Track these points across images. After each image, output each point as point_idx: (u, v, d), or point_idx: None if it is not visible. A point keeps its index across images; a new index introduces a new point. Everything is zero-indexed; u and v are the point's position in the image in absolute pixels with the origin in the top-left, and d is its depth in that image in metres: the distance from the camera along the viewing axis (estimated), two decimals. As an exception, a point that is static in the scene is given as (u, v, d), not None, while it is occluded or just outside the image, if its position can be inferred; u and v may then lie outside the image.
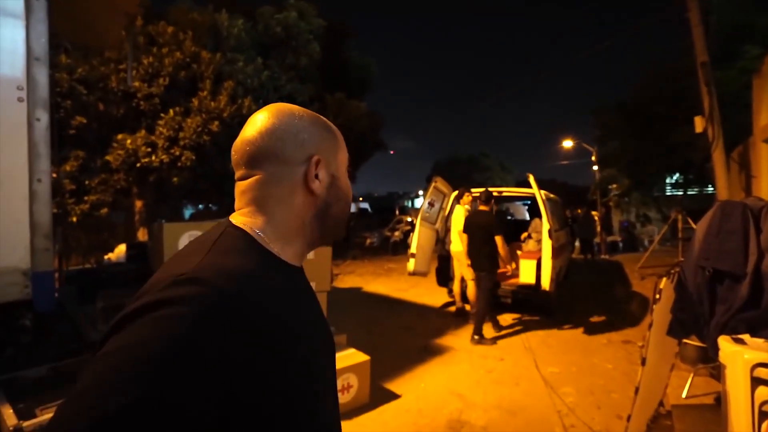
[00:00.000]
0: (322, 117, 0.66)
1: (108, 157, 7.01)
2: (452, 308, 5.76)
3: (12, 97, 1.99)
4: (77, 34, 4.62)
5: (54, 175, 6.65)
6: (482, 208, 4.78)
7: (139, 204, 8.13)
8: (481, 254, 4.52)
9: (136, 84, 7.05)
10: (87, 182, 7.11)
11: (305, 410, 0.52)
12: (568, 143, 18.96)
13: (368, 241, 14.99)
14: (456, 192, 5.91)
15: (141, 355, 0.39)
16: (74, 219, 6.86)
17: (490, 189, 5.28)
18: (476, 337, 4.40)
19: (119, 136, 7.01)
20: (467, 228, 4.76)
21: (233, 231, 0.57)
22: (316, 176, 0.61)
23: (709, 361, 3.26)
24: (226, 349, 0.42)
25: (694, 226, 6.72)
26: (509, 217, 10.34)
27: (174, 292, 0.43)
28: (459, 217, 5.23)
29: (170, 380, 0.38)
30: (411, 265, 5.61)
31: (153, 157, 7.02)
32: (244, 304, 0.47)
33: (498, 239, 4.49)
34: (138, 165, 7.07)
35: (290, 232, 0.61)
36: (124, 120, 7.41)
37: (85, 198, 6.99)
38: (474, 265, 4.63)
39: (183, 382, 0.39)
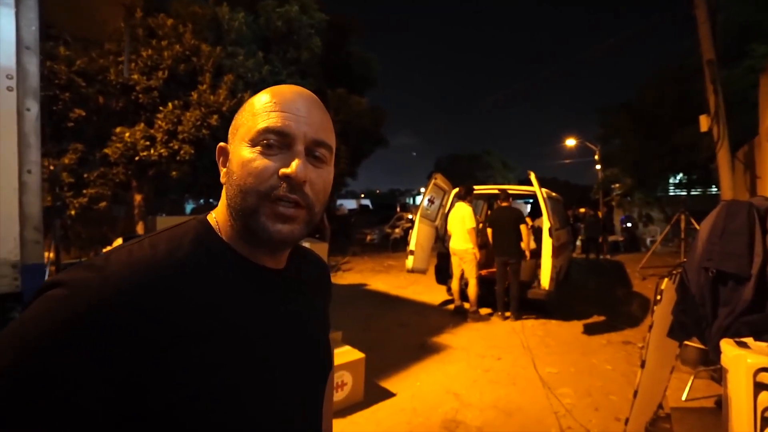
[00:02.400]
0: (269, 89, 0.56)
1: (106, 150, 6.96)
2: (451, 306, 5.72)
3: (2, 87, 1.95)
4: (76, 25, 4.58)
5: (51, 167, 6.61)
6: (504, 204, 5.47)
7: (138, 198, 8.09)
8: (511, 243, 5.20)
9: (135, 77, 6.98)
10: (86, 175, 7.06)
11: (212, 410, 0.46)
12: (571, 141, 18.86)
13: (368, 237, 14.96)
14: (456, 189, 5.85)
15: (20, 328, 0.42)
16: (73, 212, 6.83)
17: (493, 186, 5.86)
18: (516, 313, 5.18)
19: (118, 129, 6.95)
20: (493, 223, 5.42)
21: (195, 222, 0.57)
22: (223, 166, 0.57)
23: (710, 363, 3.21)
24: (96, 331, 0.42)
25: (697, 226, 6.64)
26: None
27: (65, 275, 0.45)
28: (462, 213, 5.20)
29: (35, 354, 0.40)
30: (409, 262, 5.58)
31: (152, 151, 6.96)
32: (130, 292, 0.44)
33: (523, 227, 5.21)
34: (136, 158, 7.02)
35: (229, 227, 0.56)
36: (123, 113, 7.35)
37: (84, 191, 6.95)
38: (505, 253, 5.23)
39: (47, 357, 0.40)
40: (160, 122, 7.08)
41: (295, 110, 0.53)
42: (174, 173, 7.33)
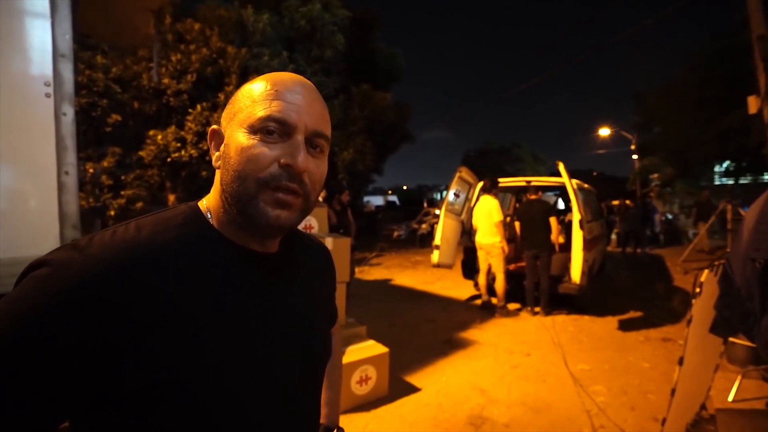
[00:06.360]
0: (267, 75, 0.55)
1: (141, 153, 7.30)
2: (478, 301, 5.62)
3: (40, 93, 2.07)
4: (111, 34, 4.79)
5: (91, 170, 6.98)
6: (533, 197, 5.31)
7: (172, 198, 8.44)
8: (541, 236, 5.05)
9: (166, 81, 7.27)
10: (123, 178, 7.44)
11: (192, 393, 0.47)
12: (605, 131, 18.06)
13: (395, 233, 14.94)
14: (482, 182, 5.73)
15: (4, 306, 0.43)
16: (112, 212, 7.21)
17: (519, 178, 5.80)
18: (546, 309, 5.02)
19: (151, 132, 7.28)
20: (522, 216, 5.28)
21: (184, 207, 0.58)
22: (216, 149, 0.57)
23: (760, 362, 2.98)
24: (75, 308, 0.42)
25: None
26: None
27: (51, 255, 0.46)
28: (488, 207, 5.09)
29: (17, 330, 0.41)
30: (435, 257, 5.52)
31: (182, 152, 7.24)
32: (110, 270, 0.45)
33: (552, 220, 5.09)
34: (169, 160, 7.32)
35: (221, 212, 0.56)
36: (157, 116, 7.69)
37: (122, 193, 7.32)
38: (535, 246, 5.07)
39: (28, 333, 0.41)
40: (190, 124, 7.34)
41: (296, 100, 0.53)
42: (204, 173, 7.59)
